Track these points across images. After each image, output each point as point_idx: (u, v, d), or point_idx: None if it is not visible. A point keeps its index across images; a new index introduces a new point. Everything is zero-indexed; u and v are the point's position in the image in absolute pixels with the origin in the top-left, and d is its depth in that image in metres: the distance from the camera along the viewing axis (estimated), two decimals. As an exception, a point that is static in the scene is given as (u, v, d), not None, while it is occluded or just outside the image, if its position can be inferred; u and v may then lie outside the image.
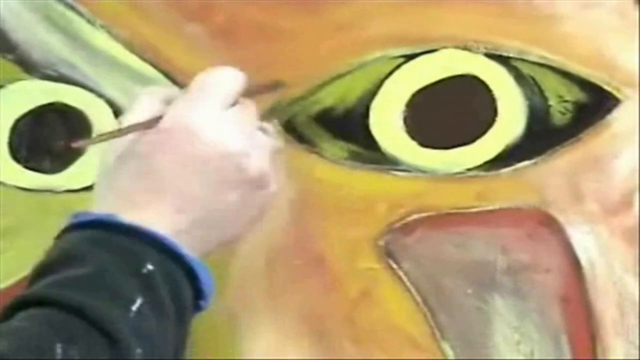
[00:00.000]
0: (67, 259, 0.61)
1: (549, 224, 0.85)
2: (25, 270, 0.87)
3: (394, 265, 0.85)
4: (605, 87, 0.89)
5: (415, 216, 0.84)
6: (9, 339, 0.55)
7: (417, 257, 0.77)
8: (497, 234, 0.85)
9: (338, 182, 0.86)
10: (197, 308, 0.65)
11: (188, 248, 0.64)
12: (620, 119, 0.89)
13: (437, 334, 0.84)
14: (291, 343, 0.84)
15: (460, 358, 0.83)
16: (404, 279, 0.83)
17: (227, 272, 0.84)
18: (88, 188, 0.89)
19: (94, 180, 0.85)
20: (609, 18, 0.91)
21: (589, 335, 0.83)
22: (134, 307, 0.59)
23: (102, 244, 0.61)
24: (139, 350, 0.57)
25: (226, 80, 0.70)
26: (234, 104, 0.70)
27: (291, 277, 0.86)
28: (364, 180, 0.86)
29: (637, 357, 0.90)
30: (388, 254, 0.85)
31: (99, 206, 0.66)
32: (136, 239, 0.62)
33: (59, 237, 0.65)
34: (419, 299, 0.84)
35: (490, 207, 0.85)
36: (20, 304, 0.59)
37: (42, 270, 0.62)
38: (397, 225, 0.81)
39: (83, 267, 0.60)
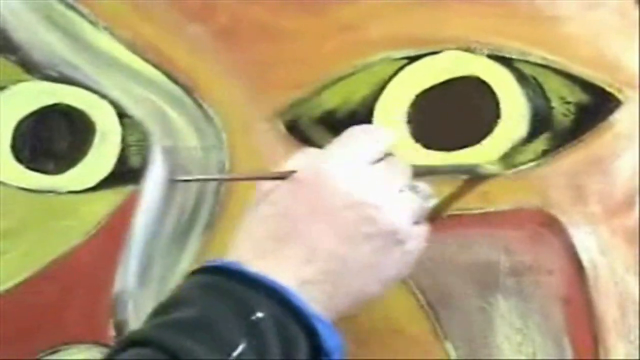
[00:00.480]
0: (178, 301, 0.61)
1: (551, 225, 0.85)
2: (27, 272, 0.87)
3: None
4: (607, 89, 0.89)
5: None
6: None
7: (420, 258, 0.77)
8: (500, 235, 0.85)
9: None
10: None
11: (313, 301, 0.62)
12: (622, 120, 0.89)
13: (440, 334, 0.84)
14: None
15: (463, 358, 0.84)
16: (407, 279, 0.83)
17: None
18: (91, 189, 0.89)
19: (97, 181, 0.85)
20: (610, 19, 0.91)
21: (591, 336, 0.83)
22: (235, 353, 0.57)
23: (213, 289, 0.60)
24: None
25: (374, 135, 0.69)
26: (379, 160, 0.68)
27: None
28: None
29: (638, 358, 0.91)
30: None
31: (231, 252, 0.64)
32: (249, 286, 0.60)
33: (185, 279, 0.65)
34: (421, 299, 0.84)
35: (493, 209, 0.85)
36: (130, 343, 0.59)
37: (155, 311, 0.62)
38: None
39: (190, 310, 0.59)
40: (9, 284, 0.89)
